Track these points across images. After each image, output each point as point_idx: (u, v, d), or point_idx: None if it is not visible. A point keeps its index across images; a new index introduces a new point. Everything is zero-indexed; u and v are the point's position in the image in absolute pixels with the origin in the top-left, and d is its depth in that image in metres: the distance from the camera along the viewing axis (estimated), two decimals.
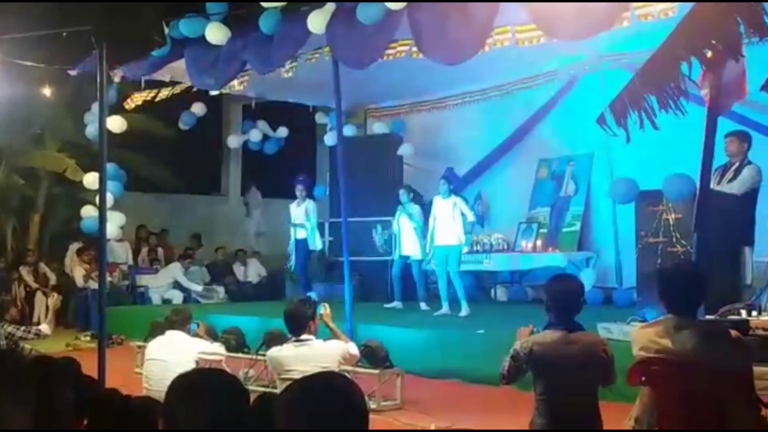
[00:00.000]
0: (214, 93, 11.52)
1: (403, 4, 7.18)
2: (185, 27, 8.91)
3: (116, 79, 10.19)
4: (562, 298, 4.00)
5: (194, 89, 10.93)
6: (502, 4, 6.77)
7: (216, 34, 8.66)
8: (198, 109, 12.14)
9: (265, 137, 14.14)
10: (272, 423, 1.83)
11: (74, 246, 12.81)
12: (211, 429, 1.91)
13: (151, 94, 11.25)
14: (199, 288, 12.90)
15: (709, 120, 5.62)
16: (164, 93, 11.19)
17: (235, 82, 10.18)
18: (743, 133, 7.37)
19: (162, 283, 12.74)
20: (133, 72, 10.05)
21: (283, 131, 14.07)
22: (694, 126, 5.94)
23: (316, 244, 11.54)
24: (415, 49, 7.72)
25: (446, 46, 7.19)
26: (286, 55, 8.60)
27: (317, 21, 7.92)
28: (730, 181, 7.13)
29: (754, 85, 6.19)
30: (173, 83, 10.94)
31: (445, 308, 9.75)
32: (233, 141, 14.46)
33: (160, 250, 13.73)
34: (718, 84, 5.59)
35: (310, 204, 11.51)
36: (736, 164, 7.19)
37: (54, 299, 7.66)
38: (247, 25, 8.54)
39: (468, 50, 7.11)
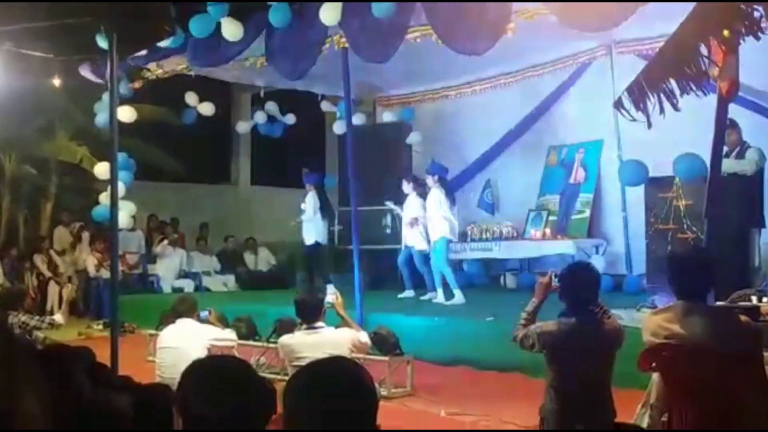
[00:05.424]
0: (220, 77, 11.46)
1: None
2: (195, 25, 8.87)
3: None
4: (578, 287, 3.98)
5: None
6: None
7: (231, 29, 8.68)
8: (205, 109, 11.96)
9: (274, 121, 13.97)
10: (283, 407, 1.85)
11: (60, 230, 12.86)
12: (225, 415, 1.93)
13: (157, 72, 10.90)
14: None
15: (720, 106, 5.59)
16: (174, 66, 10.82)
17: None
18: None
19: (173, 268, 12.82)
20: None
21: (290, 119, 13.93)
22: (704, 115, 5.91)
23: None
24: (429, 31, 7.69)
25: (467, 36, 7.17)
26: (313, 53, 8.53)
27: (331, 13, 7.91)
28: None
29: None
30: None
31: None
32: (242, 126, 14.26)
33: (174, 236, 13.78)
34: (732, 68, 5.54)
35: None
36: (737, 149, 7.31)
37: (69, 290, 7.74)
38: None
39: (489, 39, 7.09)
